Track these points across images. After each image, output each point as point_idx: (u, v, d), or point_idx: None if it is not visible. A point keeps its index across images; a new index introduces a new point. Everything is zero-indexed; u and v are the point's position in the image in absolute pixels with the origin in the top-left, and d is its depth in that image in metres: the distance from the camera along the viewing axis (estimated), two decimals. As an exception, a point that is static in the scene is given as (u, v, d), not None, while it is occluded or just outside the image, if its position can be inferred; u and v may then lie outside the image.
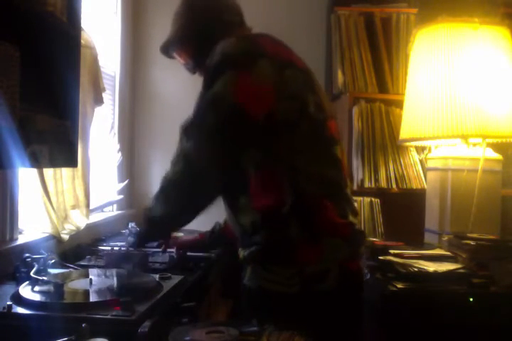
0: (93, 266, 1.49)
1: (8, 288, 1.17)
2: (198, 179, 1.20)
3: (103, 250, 1.70)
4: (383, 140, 2.33)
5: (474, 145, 2.02)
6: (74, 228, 1.81)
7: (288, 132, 1.19)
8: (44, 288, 1.11)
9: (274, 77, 1.18)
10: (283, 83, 1.19)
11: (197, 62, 1.40)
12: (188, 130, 1.21)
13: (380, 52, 2.41)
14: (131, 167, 2.76)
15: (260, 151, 1.19)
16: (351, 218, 1.25)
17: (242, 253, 1.26)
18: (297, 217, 1.16)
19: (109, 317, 0.95)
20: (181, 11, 1.41)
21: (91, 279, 1.19)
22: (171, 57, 1.46)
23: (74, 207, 1.85)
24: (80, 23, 1.24)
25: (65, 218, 1.79)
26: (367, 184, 2.26)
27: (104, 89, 2.07)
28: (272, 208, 1.18)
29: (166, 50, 1.44)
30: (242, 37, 1.29)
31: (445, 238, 1.83)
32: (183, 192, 1.23)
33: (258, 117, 1.15)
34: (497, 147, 2.08)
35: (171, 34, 1.42)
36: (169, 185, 1.25)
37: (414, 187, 2.28)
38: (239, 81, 1.15)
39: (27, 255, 1.34)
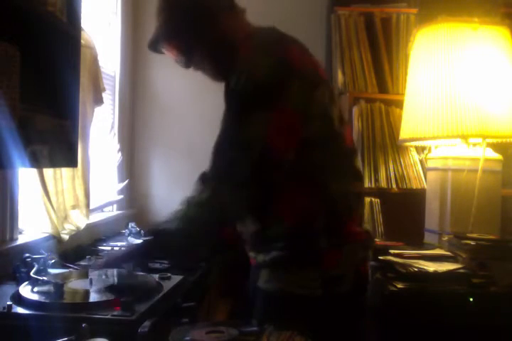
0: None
1: (8, 288, 1.17)
2: (222, 223, 1.20)
3: (103, 250, 1.70)
4: (383, 140, 2.33)
5: (474, 145, 2.02)
6: (74, 228, 1.81)
7: (318, 151, 1.18)
8: (44, 288, 1.11)
9: (304, 101, 1.14)
10: (312, 104, 1.16)
11: (190, 56, 1.30)
12: (220, 177, 1.15)
13: (380, 52, 2.41)
14: (131, 167, 2.76)
15: (292, 170, 1.16)
16: (365, 225, 1.30)
17: (259, 257, 1.25)
18: (326, 231, 1.18)
19: (109, 317, 0.95)
20: (164, 4, 1.31)
21: (91, 279, 1.19)
22: (160, 52, 1.36)
23: (74, 207, 1.85)
24: (80, 23, 1.24)
25: (65, 218, 1.79)
26: (367, 184, 2.26)
27: (104, 89, 2.07)
28: (304, 224, 1.19)
29: (154, 46, 1.33)
30: (266, 50, 1.16)
31: (445, 238, 1.83)
32: (201, 235, 1.18)
33: (290, 156, 1.14)
34: (497, 147, 2.08)
35: (156, 30, 1.31)
36: (187, 228, 1.16)
37: (414, 187, 2.28)
38: (271, 120, 1.10)
39: (27, 255, 1.34)
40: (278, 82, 1.12)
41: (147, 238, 1.24)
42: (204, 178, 1.20)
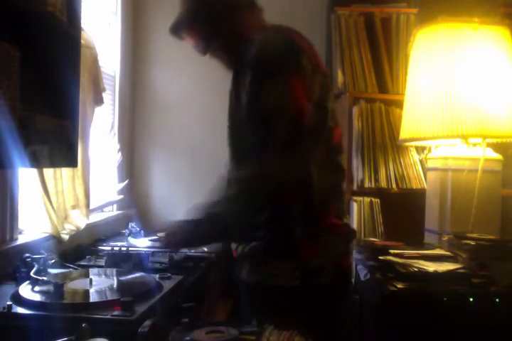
0: (93, 266, 1.49)
1: (8, 288, 1.17)
2: (269, 197, 1.16)
3: (103, 250, 1.70)
4: (383, 140, 2.33)
5: (474, 145, 2.02)
6: (74, 228, 1.81)
7: (310, 139, 1.20)
8: (44, 288, 1.12)
9: (310, 77, 1.19)
10: (313, 88, 1.20)
11: (207, 43, 1.36)
12: (262, 148, 1.14)
13: (380, 52, 2.41)
14: (131, 167, 2.76)
15: None
16: (345, 219, 1.33)
17: (239, 248, 1.28)
18: (303, 220, 1.21)
19: (109, 317, 0.95)
20: None
21: (91, 279, 1.19)
22: (181, 38, 1.41)
23: (74, 207, 1.85)
24: (80, 23, 1.24)
25: (65, 218, 1.79)
26: (367, 184, 2.26)
27: (104, 89, 2.07)
28: (281, 210, 1.21)
29: (176, 31, 1.39)
30: (277, 31, 1.27)
31: (445, 238, 1.83)
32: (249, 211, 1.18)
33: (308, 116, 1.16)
34: (497, 147, 2.08)
35: (179, 15, 1.38)
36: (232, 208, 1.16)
37: (414, 187, 2.28)
38: (292, 85, 1.14)
39: (27, 255, 1.34)
40: (291, 54, 1.18)
41: (197, 217, 1.21)
42: (239, 155, 1.23)
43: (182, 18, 1.36)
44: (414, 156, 2.35)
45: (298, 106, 1.14)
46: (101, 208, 2.34)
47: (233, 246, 1.31)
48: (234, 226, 1.20)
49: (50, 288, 1.09)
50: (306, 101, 1.16)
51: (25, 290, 1.10)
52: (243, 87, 1.22)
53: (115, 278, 1.23)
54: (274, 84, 1.14)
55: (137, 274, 1.28)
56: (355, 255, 1.78)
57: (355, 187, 2.29)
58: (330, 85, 1.30)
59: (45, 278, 1.16)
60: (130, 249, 1.66)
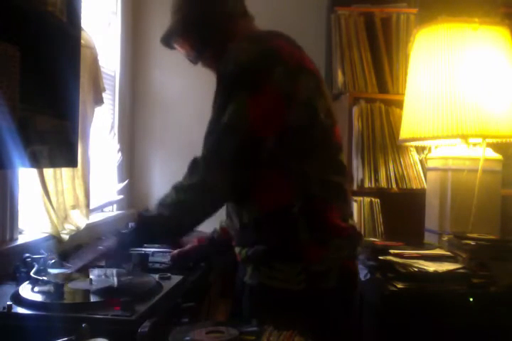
0: (93, 266, 1.49)
1: (8, 288, 1.17)
2: (210, 206, 1.19)
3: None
4: (383, 140, 2.33)
5: (474, 145, 2.02)
6: (74, 228, 1.81)
7: (299, 138, 1.20)
8: (44, 288, 1.11)
9: (288, 87, 1.17)
10: (297, 90, 1.19)
11: (199, 53, 1.36)
12: (207, 161, 1.17)
13: (380, 52, 2.41)
14: (131, 167, 2.76)
15: (271, 156, 1.18)
16: (350, 221, 1.30)
17: (243, 252, 1.27)
18: (305, 219, 1.19)
19: (109, 317, 0.95)
20: (182, 2, 1.37)
21: (91, 279, 1.19)
22: (172, 48, 1.41)
23: (74, 207, 1.85)
24: (80, 23, 1.24)
25: (65, 218, 1.79)
26: (367, 184, 2.26)
27: (104, 89, 2.07)
28: (280, 209, 1.21)
29: (167, 41, 1.39)
30: (255, 40, 1.24)
31: (445, 238, 1.83)
32: (189, 219, 1.21)
33: (272, 140, 1.17)
34: (497, 147, 2.08)
35: (170, 25, 1.37)
36: (175, 213, 1.20)
37: (414, 187, 2.28)
38: (254, 103, 1.14)
39: (27, 255, 1.34)
40: (262, 66, 1.16)
41: (134, 225, 1.28)
42: (193, 164, 1.21)
43: (173, 28, 1.36)
44: (414, 156, 2.35)
45: (253, 126, 1.13)
46: (101, 208, 2.34)
47: (236, 249, 1.31)
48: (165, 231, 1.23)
49: (50, 288, 1.09)
50: (267, 119, 1.15)
51: (25, 290, 1.09)
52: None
53: (115, 278, 1.23)
54: (234, 101, 1.14)
55: (137, 274, 1.28)
56: (356, 255, 1.78)
57: (355, 187, 2.28)
58: (321, 84, 1.28)
59: (45, 278, 1.15)
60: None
